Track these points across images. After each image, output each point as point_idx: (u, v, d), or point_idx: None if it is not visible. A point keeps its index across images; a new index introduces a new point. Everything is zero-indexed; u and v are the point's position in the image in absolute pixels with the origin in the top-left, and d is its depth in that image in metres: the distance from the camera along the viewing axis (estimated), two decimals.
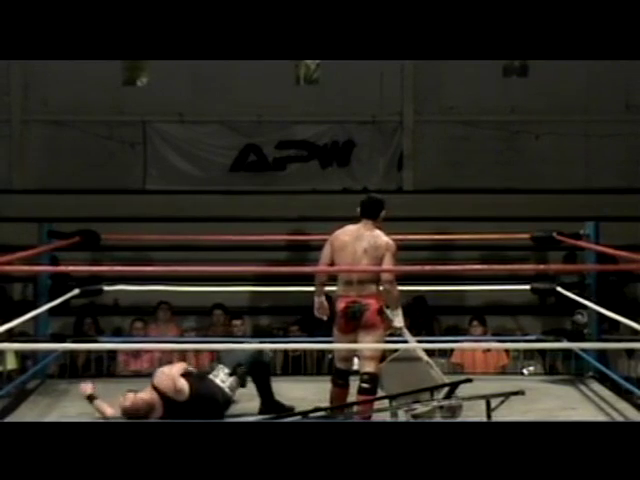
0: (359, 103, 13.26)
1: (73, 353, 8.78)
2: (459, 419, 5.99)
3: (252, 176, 13.34)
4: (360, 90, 13.21)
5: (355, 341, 6.19)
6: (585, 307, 7.65)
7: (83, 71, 12.66)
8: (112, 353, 9.01)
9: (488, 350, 9.01)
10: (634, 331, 6.03)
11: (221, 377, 6.39)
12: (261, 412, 6.41)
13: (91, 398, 6.39)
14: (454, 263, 10.69)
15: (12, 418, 6.32)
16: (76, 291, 7.65)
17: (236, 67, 12.66)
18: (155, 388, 6.22)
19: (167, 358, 8.59)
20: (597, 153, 13.30)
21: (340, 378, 6.31)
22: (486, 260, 11.23)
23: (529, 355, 9.03)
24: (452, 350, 9.03)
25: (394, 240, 6.22)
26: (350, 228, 6.28)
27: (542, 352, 8.90)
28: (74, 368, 8.90)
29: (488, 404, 6.00)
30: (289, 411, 6.33)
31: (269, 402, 6.48)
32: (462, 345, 9.54)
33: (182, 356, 8.73)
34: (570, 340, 7.61)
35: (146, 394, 6.22)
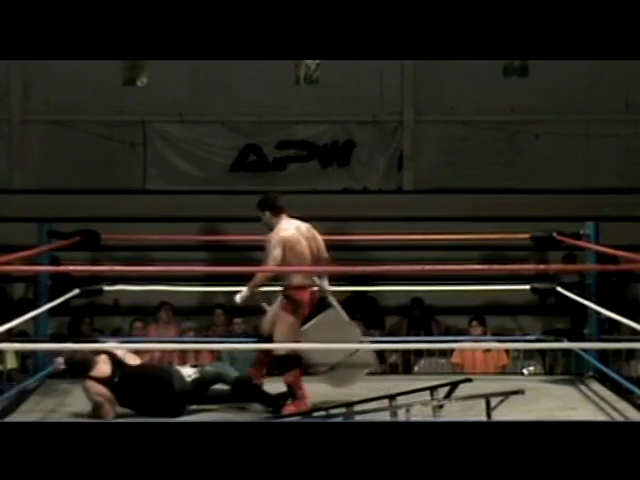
0: (359, 103, 13.26)
1: None
2: (463, 418, 6.00)
3: (252, 176, 13.33)
4: (360, 90, 13.21)
5: None
6: (580, 311, 7.68)
7: (83, 71, 12.67)
8: None
9: (488, 350, 9.01)
10: (634, 331, 6.02)
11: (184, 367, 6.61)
12: (269, 411, 6.47)
13: None
14: (454, 263, 10.67)
15: (12, 418, 6.32)
16: (76, 291, 7.64)
17: (236, 67, 12.66)
18: (108, 353, 6.52)
19: (167, 358, 8.59)
20: (597, 153, 13.30)
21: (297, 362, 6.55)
22: (486, 260, 11.23)
23: (529, 355, 9.03)
24: (452, 350, 9.03)
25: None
26: (291, 223, 6.57)
27: (542, 352, 8.90)
28: None
29: (488, 403, 6.00)
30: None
31: (267, 400, 6.56)
32: (462, 345, 9.54)
33: (182, 356, 8.72)
34: (570, 340, 7.60)
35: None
